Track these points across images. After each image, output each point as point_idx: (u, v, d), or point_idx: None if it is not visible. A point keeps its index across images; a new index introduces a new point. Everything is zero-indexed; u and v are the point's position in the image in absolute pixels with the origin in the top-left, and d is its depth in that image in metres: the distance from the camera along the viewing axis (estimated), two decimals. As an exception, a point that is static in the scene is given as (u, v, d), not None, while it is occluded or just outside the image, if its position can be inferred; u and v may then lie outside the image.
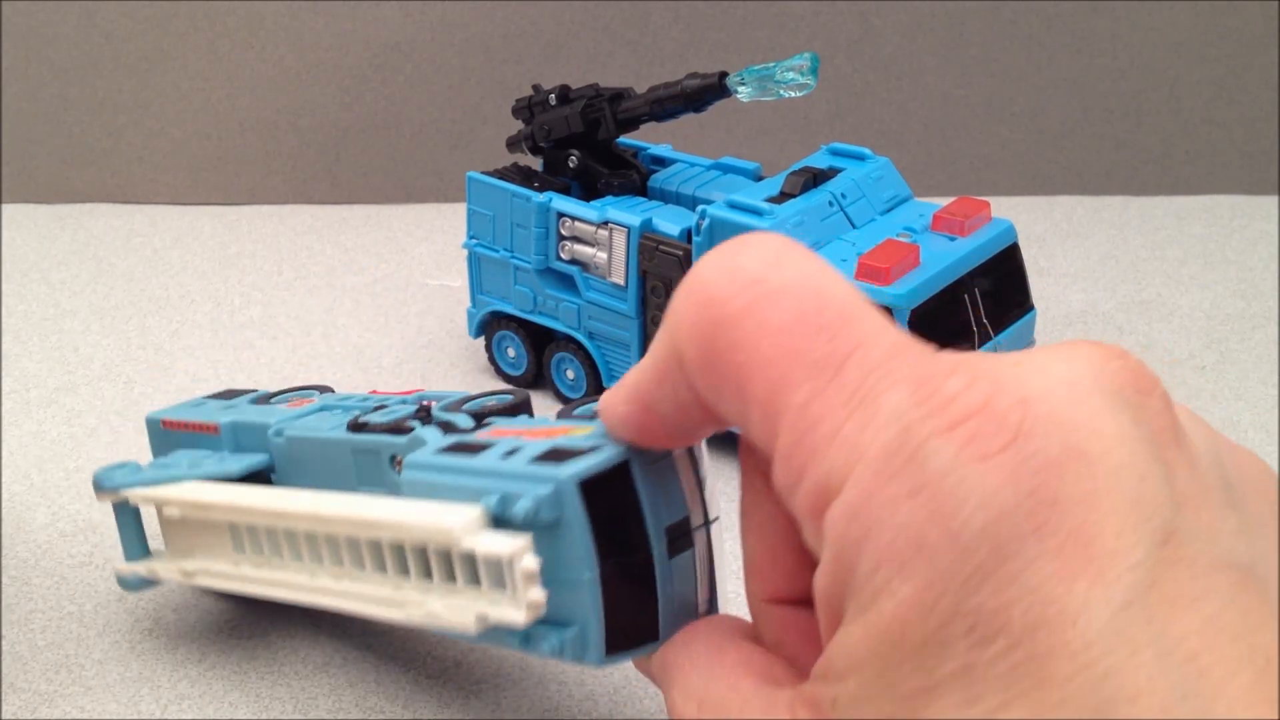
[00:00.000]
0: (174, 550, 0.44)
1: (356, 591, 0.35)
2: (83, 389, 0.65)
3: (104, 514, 0.54)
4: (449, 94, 0.86)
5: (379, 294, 0.74)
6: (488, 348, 0.66)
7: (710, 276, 0.25)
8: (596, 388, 0.61)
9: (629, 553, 0.29)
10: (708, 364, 0.24)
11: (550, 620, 0.30)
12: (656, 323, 0.57)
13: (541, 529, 0.29)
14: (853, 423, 0.22)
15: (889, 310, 0.50)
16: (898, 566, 0.21)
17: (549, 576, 0.30)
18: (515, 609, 0.29)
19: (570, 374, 0.62)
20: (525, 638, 0.31)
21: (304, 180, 0.87)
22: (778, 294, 0.24)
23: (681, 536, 0.30)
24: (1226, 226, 0.80)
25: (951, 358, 0.22)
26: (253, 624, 0.47)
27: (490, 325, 0.65)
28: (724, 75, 0.57)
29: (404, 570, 0.34)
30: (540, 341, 0.63)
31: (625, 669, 0.44)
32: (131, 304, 0.74)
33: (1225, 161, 0.85)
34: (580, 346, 0.61)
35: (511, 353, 0.65)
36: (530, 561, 0.29)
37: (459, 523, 0.30)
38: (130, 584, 0.45)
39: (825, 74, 0.74)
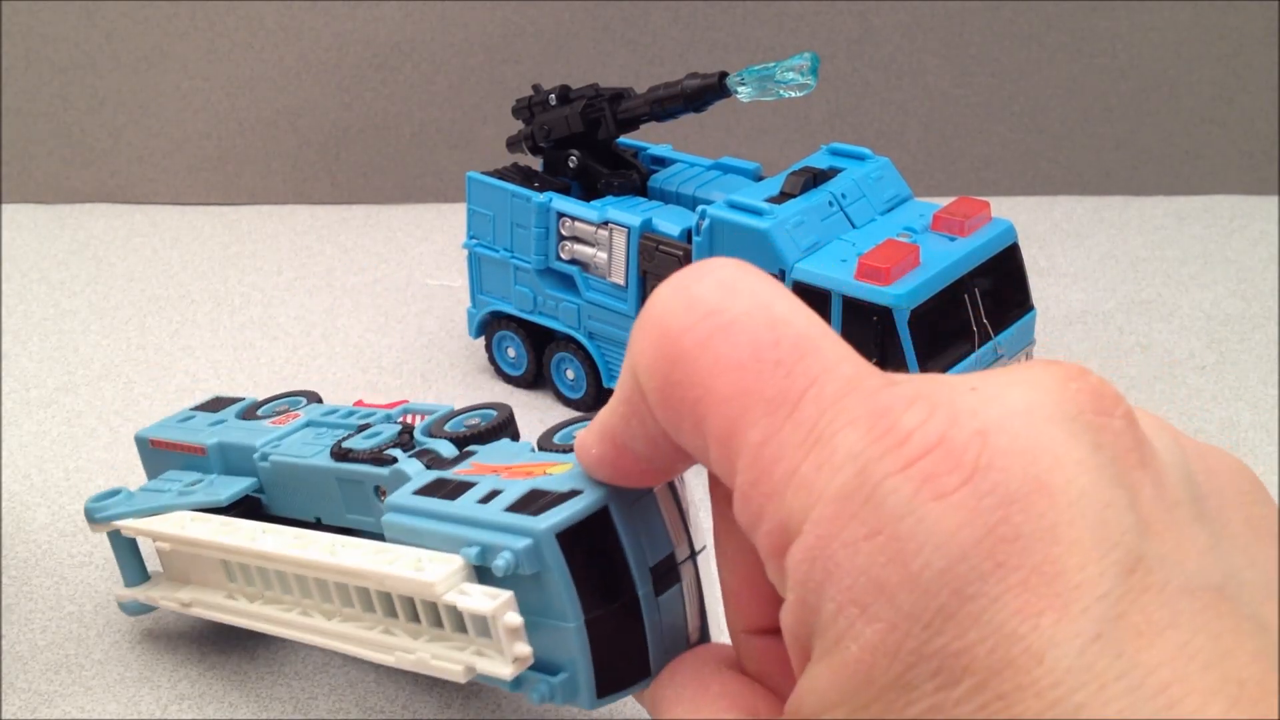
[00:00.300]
0: (171, 575, 0.45)
1: (347, 633, 0.36)
2: (83, 389, 0.65)
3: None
4: (449, 94, 0.86)
5: (379, 294, 0.74)
6: (488, 348, 0.66)
7: (666, 307, 0.24)
8: (596, 388, 0.61)
9: (614, 597, 0.29)
10: (665, 400, 0.24)
11: (540, 664, 0.30)
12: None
13: (524, 579, 0.29)
14: (809, 463, 0.22)
15: (889, 310, 0.50)
16: (860, 610, 0.21)
17: (535, 623, 0.30)
18: (502, 663, 0.30)
19: (570, 374, 0.62)
20: (516, 682, 0.31)
21: (304, 180, 0.87)
22: (732, 325, 0.23)
23: (668, 573, 0.30)
24: (1226, 226, 0.80)
25: (909, 388, 0.22)
26: (253, 624, 0.47)
27: (490, 325, 0.65)
28: (724, 75, 0.57)
29: (392, 612, 0.34)
30: (540, 341, 0.63)
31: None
32: (131, 304, 0.74)
33: (1225, 161, 0.85)
34: (580, 346, 0.61)
35: (511, 353, 0.65)
36: (513, 619, 0.29)
37: (440, 577, 0.30)
38: (131, 609, 0.46)
39: (825, 74, 0.74)
